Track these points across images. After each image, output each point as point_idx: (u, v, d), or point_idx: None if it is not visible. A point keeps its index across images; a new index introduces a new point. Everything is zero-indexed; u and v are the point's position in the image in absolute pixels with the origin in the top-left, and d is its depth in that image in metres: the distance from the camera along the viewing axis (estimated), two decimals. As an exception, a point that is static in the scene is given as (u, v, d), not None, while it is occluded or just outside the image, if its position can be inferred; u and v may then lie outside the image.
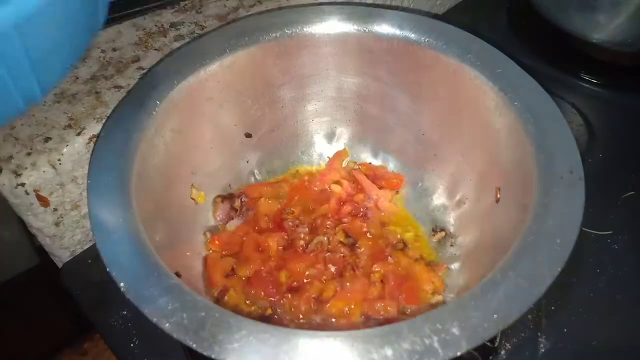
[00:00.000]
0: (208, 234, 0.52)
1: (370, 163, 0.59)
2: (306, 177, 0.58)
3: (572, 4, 0.65)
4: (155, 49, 0.56)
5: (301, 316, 0.47)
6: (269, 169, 0.59)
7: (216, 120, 0.52)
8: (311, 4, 0.58)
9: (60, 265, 0.56)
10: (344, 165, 0.59)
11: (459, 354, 0.31)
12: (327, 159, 0.60)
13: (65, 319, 0.93)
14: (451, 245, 0.52)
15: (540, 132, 0.42)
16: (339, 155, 0.60)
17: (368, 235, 0.53)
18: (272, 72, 0.53)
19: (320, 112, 0.58)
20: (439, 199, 0.55)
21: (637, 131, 0.63)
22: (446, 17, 0.79)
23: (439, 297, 0.48)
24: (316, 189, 0.57)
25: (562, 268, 0.34)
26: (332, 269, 0.49)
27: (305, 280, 0.49)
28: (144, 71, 0.54)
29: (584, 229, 0.36)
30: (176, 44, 0.57)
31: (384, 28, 0.51)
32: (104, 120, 0.49)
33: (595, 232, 0.54)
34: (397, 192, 0.57)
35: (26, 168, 0.47)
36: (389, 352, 0.31)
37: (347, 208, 0.55)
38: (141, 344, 0.49)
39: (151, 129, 0.44)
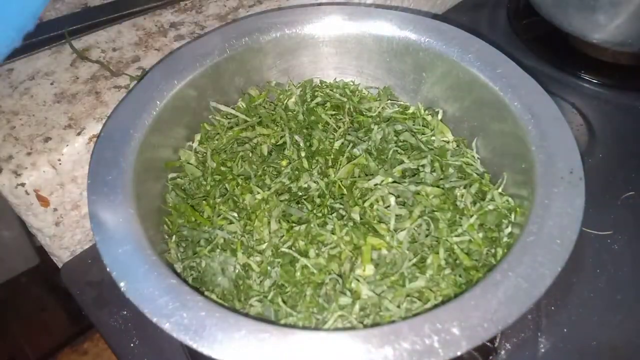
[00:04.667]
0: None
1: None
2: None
3: (572, 4, 0.65)
4: (155, 49, 0.56)
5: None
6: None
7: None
8: (311, 4, 0.58)
9: (60, 265, 0.56)
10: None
11: (459, 354, 0.31)
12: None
13: (65, 319, 0.93)
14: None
15: (540, 132, 0.42)
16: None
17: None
18: (272, 72, 0.53)
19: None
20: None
21: (637, 131, 0.63)
22: (446, 17, 0.79)
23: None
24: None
25: (562, 268, 0.34)
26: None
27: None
28: (144, 71, 0.54)
29: (584, 229, 0.36)
30: (176, 44, 0.57)
31: (384, 28, 0.51)
32: (104, 120, 0.49)
33: (595, 232, 0.53)
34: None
35: (26, 168, 0.47)
36: (389, 351, 0.31)
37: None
38: (141, 344, 0.49)
39: (151, 129, 0.44)
